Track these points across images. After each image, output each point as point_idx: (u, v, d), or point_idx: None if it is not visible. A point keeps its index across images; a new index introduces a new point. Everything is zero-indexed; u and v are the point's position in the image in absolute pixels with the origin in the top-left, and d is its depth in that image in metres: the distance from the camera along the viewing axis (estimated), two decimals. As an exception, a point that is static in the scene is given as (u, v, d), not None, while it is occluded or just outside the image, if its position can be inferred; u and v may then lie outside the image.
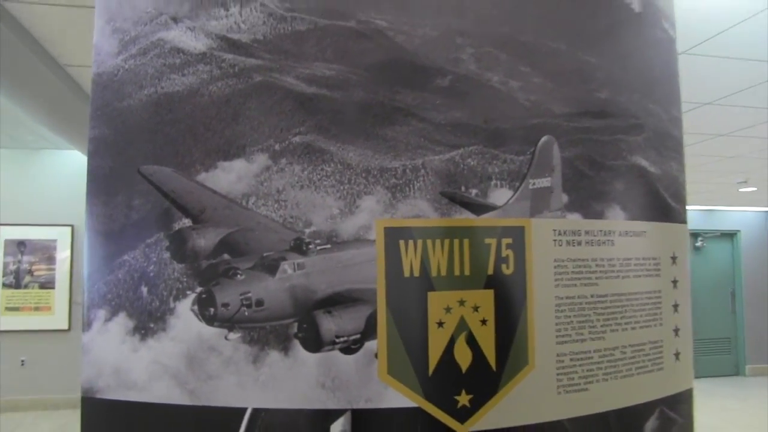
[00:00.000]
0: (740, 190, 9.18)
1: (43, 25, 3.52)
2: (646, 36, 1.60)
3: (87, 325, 1.30)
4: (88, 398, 1.29)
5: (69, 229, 8.19)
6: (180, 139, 1.27)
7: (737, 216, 12.30)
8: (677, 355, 1.57)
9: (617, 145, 1.46)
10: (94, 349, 1.29)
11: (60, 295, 8.18)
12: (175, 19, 1.31)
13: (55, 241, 8.23)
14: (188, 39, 1.29)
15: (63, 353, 8.00)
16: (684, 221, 1.68)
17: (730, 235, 12.62)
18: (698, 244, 12.41)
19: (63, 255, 8.25)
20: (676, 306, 1.58)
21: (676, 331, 1.58)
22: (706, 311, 11.91)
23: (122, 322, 1.27)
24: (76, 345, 7.81)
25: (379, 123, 1.25)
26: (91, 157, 1.34)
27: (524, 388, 1.28)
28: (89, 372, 1.29)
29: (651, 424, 1.50)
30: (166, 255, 1.25)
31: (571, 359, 1.34)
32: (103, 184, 1.32)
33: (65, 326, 8.11)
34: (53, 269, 8.23)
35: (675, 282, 1.59)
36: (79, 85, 4.52)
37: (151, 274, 1.26)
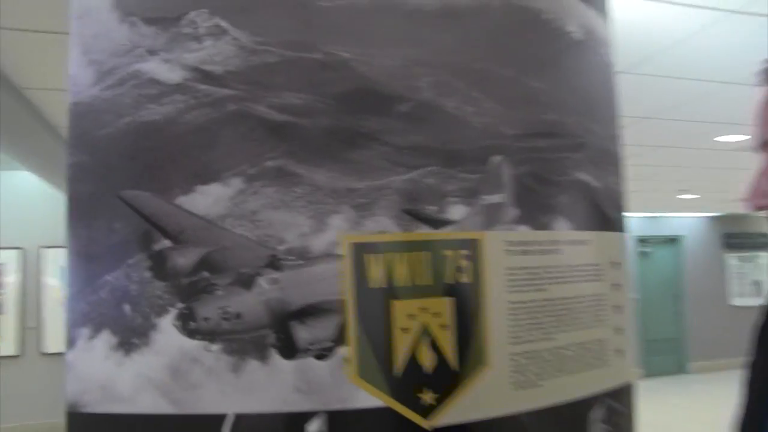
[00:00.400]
0: (682, 197, 9.51)
1: (-2, 47, 3.55)
2: (587, 62, 1.74)
3: (70, 344, 1.37)
4: (74, 413, 1.36)
5: (17, 252, 8.07)
6: (159, 165, 1.35)
7: (680, 222, 12.72)
8: (619, 351, 1.71)
9: (562, 162, 1.59)
10: (79, 366, 1.36)
11: (8, 321, 8.05)
12: (151, 52, 1.39)
13: (2, 264, 8.10)
14: (164, 70, 1.38)
15: (14, 380, 7.87)
16: (623, 230, 1.81)
17: (674, 240, 13.02)
18: (645, 249, 12.78)
19: (11, 279, 8.13)
20: (617, 307, 1.72)
21: (618, 330, 1.72)
22: (653, 313, 12.28)
23: (106, 338, 1.35)
24: (28, 371, 7.72)
25: (344, 147, 1.35)
26: (71, 182, 1.41)
27: (482, 386, 1.39)
28: (74, 388, 1.36)
29: (597, 413, 1.63)
30: (148, 274, 1.33)
31: (525, 358, 1.46)
32: (84, 208, 1.39)
33: (15, 352, 7.98)
34: (1, 294, 8.10)
35: (615, 285, 1.72)
36: (34, 106, 4.53)
37: (134, 293, 1.34)
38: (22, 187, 7.82)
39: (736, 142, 5.09)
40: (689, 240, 12.79)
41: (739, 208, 11.43)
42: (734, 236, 12.61)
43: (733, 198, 9.71)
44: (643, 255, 12.59)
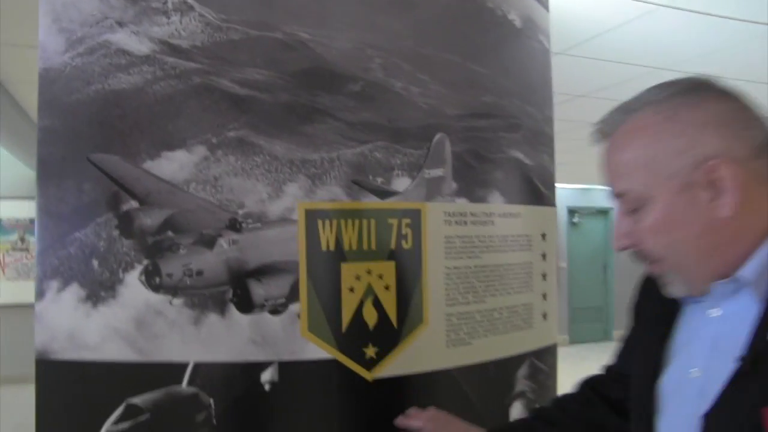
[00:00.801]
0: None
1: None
2: (525, 48, 1.88)
3: (40, 295, 1.47)
4: (43, 360, 1.46)
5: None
6: (127, 131, 1.45)
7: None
8: (545, 315, 1.87)
9: (498, 141, 1.74)
10: (48, 316, 1.45)
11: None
12: (120, 24, 1.47)
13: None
14: (133, 42, 1.46)
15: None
16: (553, 204, 1.97)
17: (604, 212, 13.38)
18: (575, 220, 13.12)
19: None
20: (544, 275, 1.88)
21: (544, 295, 1.88)
22: (582, 282, 12.66)
23: (75, 291, 1.45)
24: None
25: (301, 121, 1.47)
26: (41, 145, 1.49)
27: (420, 343, 1.54)
28: (43, 337, 1.45)
29: (522, 371, 1.80)
30: (116, 232, 1.43)
31: (458, 318, 1.61)
32: (54, 170, 1.48)
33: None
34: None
35: (544, 255, 1.88)
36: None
37: (102, 249, 1.43)
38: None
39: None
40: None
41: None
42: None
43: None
44: (574, 225, 12.94)
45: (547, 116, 1.94)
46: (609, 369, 1.38)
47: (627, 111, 1.00)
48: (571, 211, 13.02)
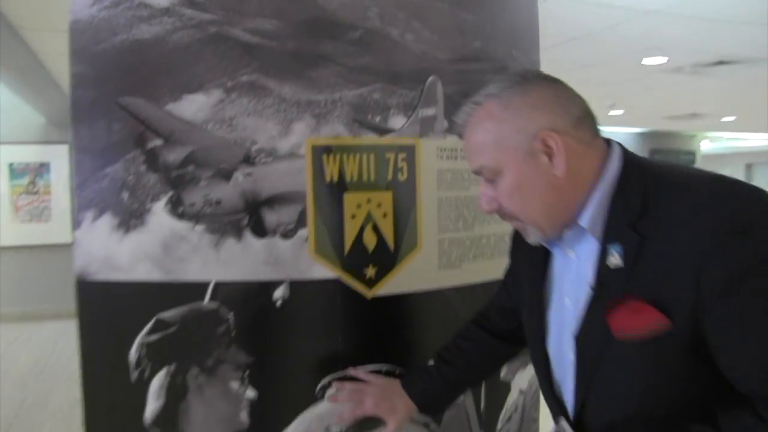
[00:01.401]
0: (611, 113, 9.93)
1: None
2: (511, -4, 2.03)
3: (77, 224, 1.66)
4: (82, 281, 1.66)
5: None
6: (151, 76, 1.61)
7: (610, 136, 13.22)
8: (529, 243, 2.06)
9: (486, 83, 1.88)
10: (85, 243, 1.65)
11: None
12: (141, -21, 1.63)
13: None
14: (154, -4, 1.63)
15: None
16: (538, 141, 2.13)
17: (605, 153, 13.54)
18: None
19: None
20: (529, 206, 2.06)
21: (529, 225, 2.06)
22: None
23: (108, 220, 1.64)
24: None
25: (306, 66, 1.63)
26: (74, 89, 1.67)
27: (414, 265, 1.73)
28: (81, 261, 1.65)
29: (508, 293, 1.99)
30: (143, 167, 1.61)
31: (449, 244, 1.79)
32: (86, 112, 1.65)
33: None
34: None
35: (529, 188, 2.06)
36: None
37: (131, 183, 1.62)
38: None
39: (660, 64, 5.50)
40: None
41: (665, 125, 11.97)
42: (660, 152, 13.20)
43: (657, 116, 10.23)
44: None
45: (533, 60, 2.10)
46: (492, 304, 1.68)
47: (474, 103, 1.24)
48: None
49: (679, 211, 1.07)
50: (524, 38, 2.06)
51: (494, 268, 1.91)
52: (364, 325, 1.70)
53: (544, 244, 1.28)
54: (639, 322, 1.06)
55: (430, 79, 1.75)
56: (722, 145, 15.91)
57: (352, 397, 1.62)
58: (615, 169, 1.17)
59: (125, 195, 1.62)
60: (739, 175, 17.16)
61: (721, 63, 5.45)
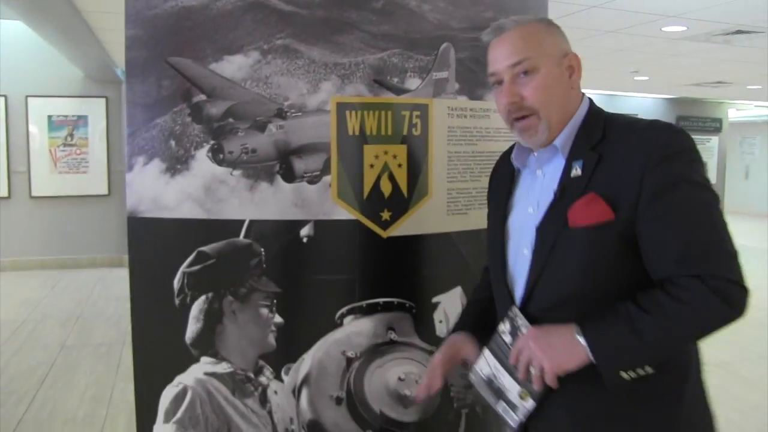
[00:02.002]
0: (634, 78, 9.97)
1: None
2: (521, -32, 2.21)
3: (129, 168, 1.89)
4: (133, 218, 1.90)
5: (3, 99, 8.37)
6: (196, 39, 1.83)
7: (637, 102, 13.21)
8: (532, 196, 2.26)
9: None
10: (136, 184, 1.89)
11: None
12: (189, -48, 1.84)
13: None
14: (199, -33, 1.84)
15: (4, 221, 8.41)
16: (543, 103, 2.32)
17: (629, 118, 13.51)
18: (601, 125, 13.28)
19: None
20: (533, 162, 2.26)
21: (533, 180, 2.27)
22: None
23: (156, 165, 1.87)
24: (18, 212, 8.21)
25: (333, 32, 1.84)
26: (128, 50, 1.89)
27: (425, 210, 1.95)
28: (133, 200, 1.89)
29: (510, 240, 2.21)
30: (188, 119, 1.84)
31: (457, 193, 2.00)
32: (138, 69, 1.88)
33: (5, 194, 8.47)
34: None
35: (533, 146, 2.26)
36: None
37: (177, 132, 1.85)
38: (10, 36, 8.04)
39: (680, 31, 5.60)
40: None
41: (691, 92, 11.95)
42: (686, 119, 13.17)
43: (682, 83, 10.26)
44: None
45: (541, 28, 2.28)
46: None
47: (519, 22, 1.49)
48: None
49: (629, 138, 1.38)
50: (533, 7, 2.24)
51: (498, 217, 2.13)
52: (379, 261, 1.93)
53: (519, 166, 1.57)
54: (591, 211, 1.36)
55: (444, 45, 1.95)
56: (750, 113, 15.81)
57: (428, 377, 1.67)
58: (584, 109, 1.49)
59: (172, 143, 1.85)
60: (765, 143, 17.10)
61: (739, 32, 5.54)
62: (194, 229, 1.87)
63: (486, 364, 1.51)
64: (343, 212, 1.87)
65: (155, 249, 1.92)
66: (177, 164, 1.85)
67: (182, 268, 1.87)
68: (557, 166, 1.45)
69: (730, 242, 1.34)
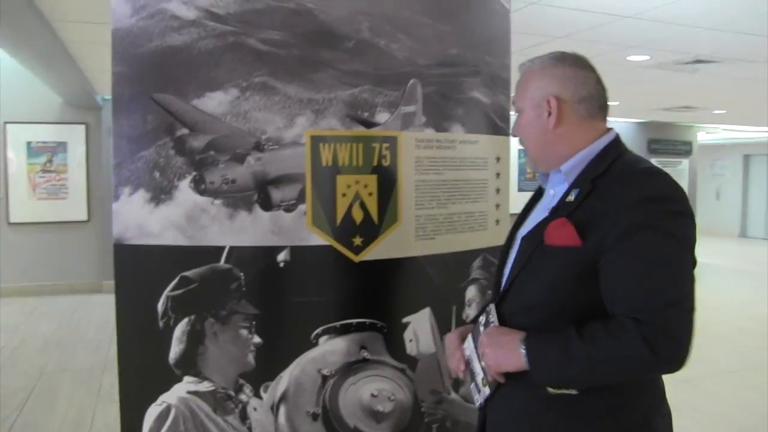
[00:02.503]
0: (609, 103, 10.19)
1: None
2: (486, 9, 2.35)
3: (116, 197, 2.00)
4: (119, 245, 2.00)
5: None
6: (179, 76, 1.95)
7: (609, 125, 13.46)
8: (497, 221, 2.39)
9: (461, 84, 2.23)
10: (122, 213, 1.99)
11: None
12: (172, -5, 1.97)
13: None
14: (183, 10, 1.95)
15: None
16: (507, 134, 2.46)
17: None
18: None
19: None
20: (498, 189, 2.39)
21: (497, 206, 2.40)
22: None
23: (142, 195, 1.98)
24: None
25: (308, 70, 1.97)
26: (115, 86, 2.00)
27: (395, 236, 2.07)
28: (119, 227, 1.99)
29: (477, 263, 2.33)
30: (172, 152, 1.95)
31: (425, 219, 2.13)
32: (125, 104, 1.99)
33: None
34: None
35: (498, 174, 2.39)
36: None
37: (161, 164, 1.96)
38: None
39: (643, 60, 5.81)
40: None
41: (661, 116, 12.21)
42: (657, 142, 13.40)
43: (651, 107, 10.51)
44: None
45: (503, 63, 2.43)
46: None
47: (529, 64, 1.68)
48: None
49: (622, 178, 1.50)
50: (496, 45, 2.39)
51: (465, 241, 2.26)
52: (351, 284, 2.05)
53: (540, 183, 1.76)
54: (561, 234, 1.50)
55: (411, 81, 2.09)
56: (719, 136, 16.14)
57: (453, 360, 1.80)
58: (601, 145, 1.60)
59: (157, 174, 1.96)
60: (737, 165, 17.43)
61: (699, 62, 5.76)
62: (177, 255, 1.97)
63: (468, 347, 1.71)
64: (318, 238, 1.99)
65: (140, 274, 2.02)
66: (161, 194, 1.96)
67: (166, 292, 1.97)
68: (563, 189, 1.61)
69: (682, 295, 1.41)
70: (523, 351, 1.49)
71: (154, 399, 2.00)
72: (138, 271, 2.02)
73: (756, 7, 4.05)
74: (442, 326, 2.20)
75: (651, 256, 1.41)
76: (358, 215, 2.02)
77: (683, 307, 1.39)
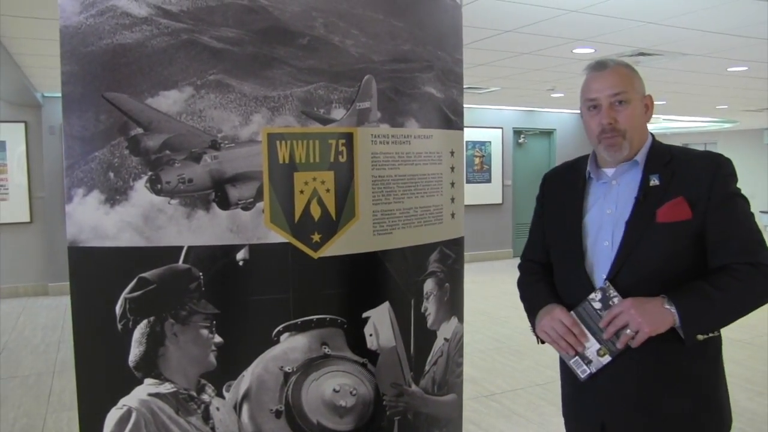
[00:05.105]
0: (551, 95, 10.37)
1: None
2: (438, 5, 2.37)
3: (69, 199, 1.96)
4: (73, 247, 1.97)
5: None
6: (132, 75, 1.92)
7: (554, 116, 13.69)
8: (453, 215, 2.42)
9: (414, 80, 2.24)
10: (76, 215, 1.95)
11: None
12: (122, -8, 1.94)
13: None
14: (134, 7, 1.92)
15: None
16: (461, 128, 2.49)
17: (548, 133, 13.98)
18: (521, 140, 13.71)
19: None
20: (452, 183, 2.42)
21: (453, 199, 2.43)
22: (526, 199, 13.32)
23: (96, 196, 1.94)
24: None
25: (263, 67, 1.96)
26: (65, 85, 1.95)
27: (352, 231, 2.08)
28: (73, 230, 1.95)
29: (434, 256, 2.35)
30: (126, 152, 1.93)
31: (382, 214, 2.14)
32: (75, 104, 1.95)
33: None
34: None
35: (452, 168, 2.42)
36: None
37: (116, 164, 1.93)
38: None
39: (589, 53, 5.93)
40: (561, 133, 13.81)
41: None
42: (602, 132, 13.68)
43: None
44: (519, 145, 13.58)
45: (456, 58, 2.45)
46: (534, 242, 2.43)
47: (617, 62, 2.05)
48: (517, 132, 13.58)
49: (693, 161, 2.01)
50: (449, 40, 2.41)
51: (421, 235, 2.29)
52: (311, 281, 2.05)
53: (594, 178, 2.12)
54: (676, 211, 1.90)
55: (366, 77, 2.09)
56: (661, 126, 16.60)
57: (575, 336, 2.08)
58: (651, 139, 2.09)
59: (111, 174, 1.93)
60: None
61: (642, 54, 5.90)
62: (134, 257, 1.95)
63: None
64: (276, 236, 1.99)
65: (97, 277, 1.98)
66: (116, 195, 1.94)
67: (124, 294, 1.95)
68: (633, 177, 2.02)
69: (764, 238, 1.93)
70: (673, 309, 1.83)
71: (114, 403, 1.97)
72: (94, 273, 1.99)
73: (696, 3, 4.18)
74: (401, 320, 2.22)
75: (747, 216, 1.93)
76: (316, 212, 2.02)
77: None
